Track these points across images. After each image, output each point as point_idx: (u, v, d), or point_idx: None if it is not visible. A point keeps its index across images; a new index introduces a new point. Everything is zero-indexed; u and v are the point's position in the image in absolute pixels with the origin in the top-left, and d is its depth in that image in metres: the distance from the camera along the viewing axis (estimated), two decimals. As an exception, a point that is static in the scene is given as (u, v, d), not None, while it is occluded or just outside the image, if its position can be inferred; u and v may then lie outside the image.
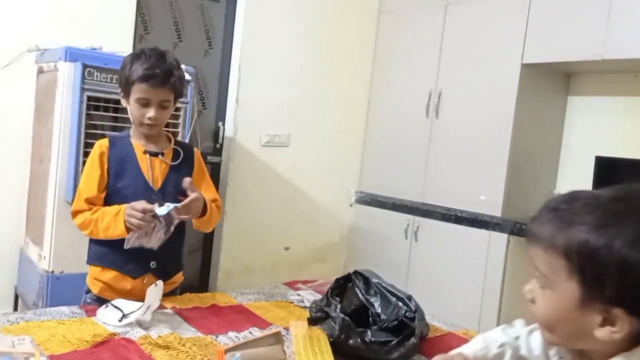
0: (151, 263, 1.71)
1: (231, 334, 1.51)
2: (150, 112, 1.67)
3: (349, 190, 4.21)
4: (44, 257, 2.53)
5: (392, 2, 4.10)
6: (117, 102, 2.48)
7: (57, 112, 2.47)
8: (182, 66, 1.78)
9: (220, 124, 3.69)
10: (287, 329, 1.55)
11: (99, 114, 2.50)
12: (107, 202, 1.69)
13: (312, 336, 1.44)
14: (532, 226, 0.88)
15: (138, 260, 1.70)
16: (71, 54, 2.44)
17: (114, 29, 3.05)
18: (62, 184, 2.47)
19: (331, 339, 1.42)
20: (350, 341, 1.41)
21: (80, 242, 1.80)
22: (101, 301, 1.66)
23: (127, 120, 2.37)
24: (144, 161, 1.72)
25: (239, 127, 3.66)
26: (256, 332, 1.52)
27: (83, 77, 2.42)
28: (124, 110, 2.45)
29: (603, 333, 0.81)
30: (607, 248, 0.77)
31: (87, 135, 2.44)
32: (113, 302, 1.59)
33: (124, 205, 1.62)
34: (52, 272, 2.49)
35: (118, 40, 2.98)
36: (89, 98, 2.45)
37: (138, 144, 1.74)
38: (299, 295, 1.91)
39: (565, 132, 3.71)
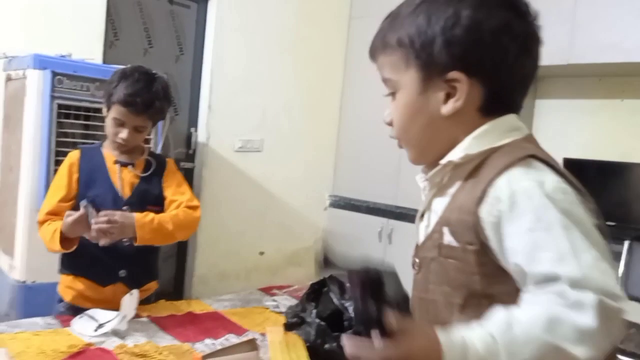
0: (120, 272, 1.71)
1: (207, 341, 1.51)
2: (123, 134, 1.68)
3: (323, 194, 4.24)
4: (15, 267, 2.49)
5: (363, 7, 4.13)
6: (88, 110, 2.47)
7: (27, 121, 2.43)
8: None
9: (192, 129, 3.68)
10: (263, 334, 1.56)
11: (70, 122, 2.47)
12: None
13: (288, 342, 1.45)
14: (371, 46, 0.93)
15: (106, 269, 1.69)
16: (40, 62, 2.40)
17: (83, 35, 3.01)
18: (33, 193, 2.43)
19: (307, 344, 1.44)
20: (326, 346, 1.42)
21: (52, 251, 1.79)
22: (75, 309, 1.66)
23: (98, 128, 2.36)
24: (113, 171, 1.73)
25: (211, 132, 3.65)
26: (233, 339, 1.53)
27: (53, 85, 2.39)
28: (96, 119, 2.44)
29: (448, 107, 0.85)
30: (426, 19, 0.83)
31: (58, 144, 2.41)
32: (88, 312, 1.58)
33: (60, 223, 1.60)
34: (24, 282, 2.45)
35: (88, 47, 2.95)
36: (59, 106, 2.42)
37: (110, 154, 1.74)
38: (274, 300, 1.92)
39: (533, 134, 3.79)
